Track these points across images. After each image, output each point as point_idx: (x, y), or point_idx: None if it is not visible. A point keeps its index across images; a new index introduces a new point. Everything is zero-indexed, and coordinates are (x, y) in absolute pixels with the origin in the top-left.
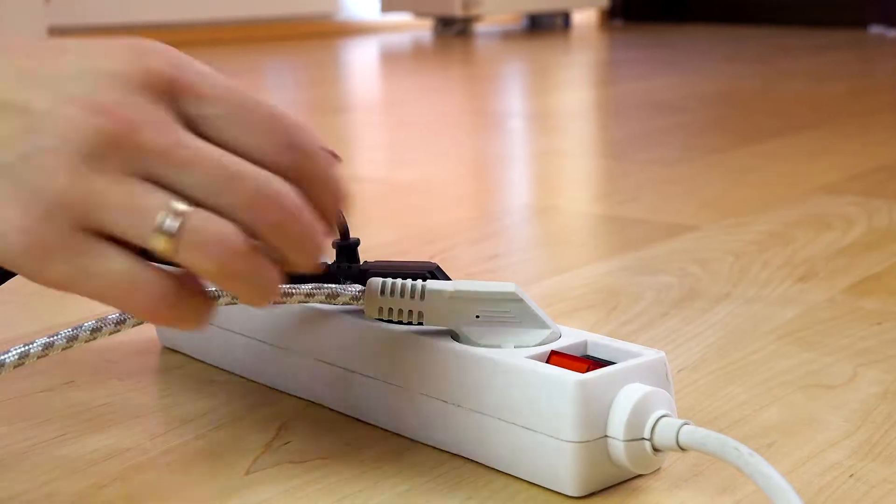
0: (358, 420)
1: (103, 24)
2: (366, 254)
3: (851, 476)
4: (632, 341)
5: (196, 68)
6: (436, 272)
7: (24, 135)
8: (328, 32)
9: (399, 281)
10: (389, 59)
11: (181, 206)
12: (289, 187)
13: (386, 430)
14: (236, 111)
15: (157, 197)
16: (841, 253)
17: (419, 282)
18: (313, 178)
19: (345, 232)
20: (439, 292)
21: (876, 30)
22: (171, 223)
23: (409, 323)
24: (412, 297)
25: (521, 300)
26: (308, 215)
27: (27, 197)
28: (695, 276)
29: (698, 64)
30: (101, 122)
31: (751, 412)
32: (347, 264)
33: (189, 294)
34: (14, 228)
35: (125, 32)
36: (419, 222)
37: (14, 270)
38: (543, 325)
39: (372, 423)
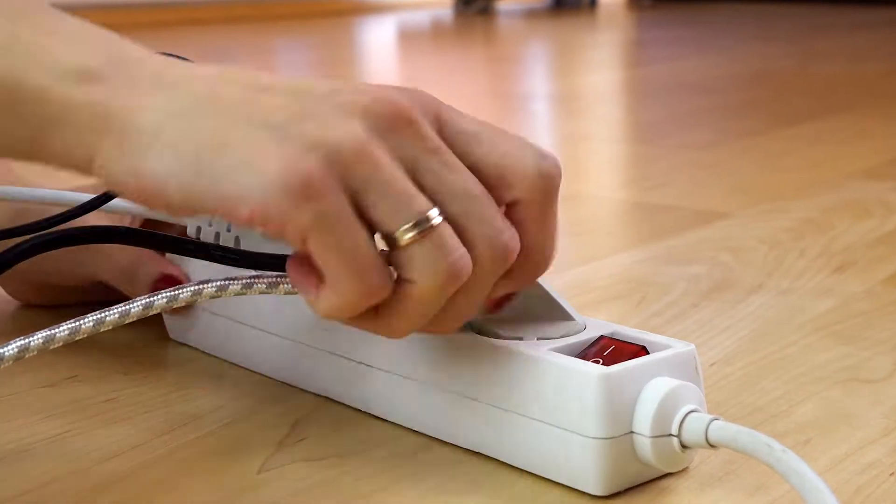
0: (374, 416)
1: (112, 1)
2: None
3: (892, 475)
4: (661, 334)
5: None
6: None
7: (306, 102)
8: (344, 10)
9: None
10: (407, 38)
11: (437, 213)
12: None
13: (404, 427)
14: (490, 129)
15: (421, 194)
16: (880, 241)
17: None
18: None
19: None
20: None
21: None
22: (427, 223)
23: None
24: None
25: (543, 290)
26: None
27: (305, 143)
28: (727, 265)
29: (730, 44)
30: (386, 103)
31: (786, 408)
32: None
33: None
34: (282, 166)
35: (137, 10)
36: None
37: (259, 206)
38: (567, 317)
39: (388, 419)
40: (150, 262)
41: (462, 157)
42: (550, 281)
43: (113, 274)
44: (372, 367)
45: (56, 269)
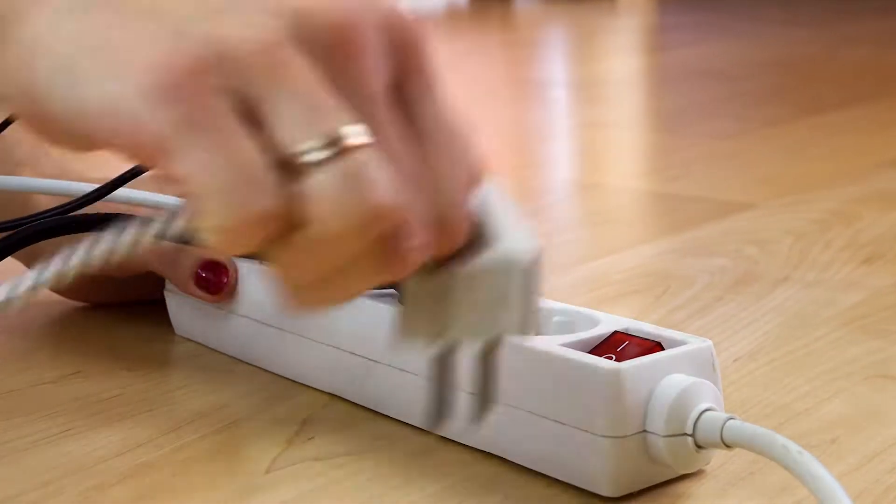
0: (385, 414)
1: None
2: None
3: None
4: (683, 329)
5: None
6: None
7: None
8: None
9: None
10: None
11: (360, 132)
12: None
13: (416, 425)
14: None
15: (339, 108)
16: None
17: None
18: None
19: None
20: None
21: None
22: (341, 142)
23: None
24: None
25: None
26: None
27: (195, 40)
28: (751, 258)
29: (753, 28)
30: (331, 13)
31: (812, 405)
32: None
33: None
34: (146, 64)
35: None
36: None
37: (111, 116)
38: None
39: (395, 417)
40: (192, 247)
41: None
42: (569, 274)
43: (154, 258)
44: (379, 362)
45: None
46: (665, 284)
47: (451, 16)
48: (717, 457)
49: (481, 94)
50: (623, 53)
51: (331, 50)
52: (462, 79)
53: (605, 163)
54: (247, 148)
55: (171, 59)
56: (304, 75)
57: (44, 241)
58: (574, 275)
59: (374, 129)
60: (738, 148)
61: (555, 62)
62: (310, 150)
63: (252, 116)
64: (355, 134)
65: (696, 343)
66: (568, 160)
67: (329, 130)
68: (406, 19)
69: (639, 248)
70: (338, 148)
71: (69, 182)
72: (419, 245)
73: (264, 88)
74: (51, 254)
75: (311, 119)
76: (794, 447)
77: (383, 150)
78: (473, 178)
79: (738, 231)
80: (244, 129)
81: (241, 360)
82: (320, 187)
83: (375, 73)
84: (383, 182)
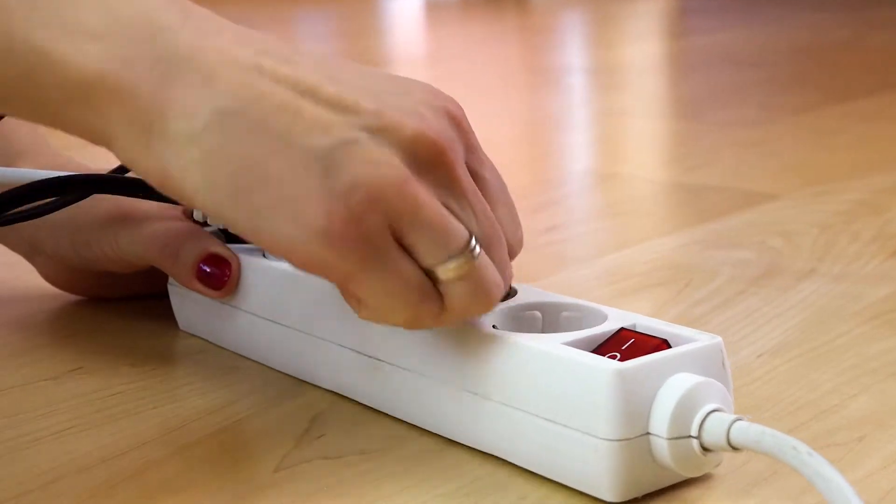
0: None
1: None
2: None
3: None
4: (705, 323)
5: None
6: None
7: (350, 126)
8: None
9: None
10: (435, 6)
11: (475, 243)
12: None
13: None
14: (500, 184)
15: (461, 225)
16: None
17: None
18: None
19: None
20: None
21: None
22: (468, 254)
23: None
24: None
25: None
26: None
27: (347, 182)
28: (775, 250)
29: (779, 13)
30: (430, 134)
31: (838, 402)
32: None
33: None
34: (322, 215)
35: None
36: None
37: (300, 255)
38: None
39: (398, 417)
40: (195, 240)
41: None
42: (588, 266)
43: (155, 253)
44: (384, 361)
45: (102, 254)
46: (686, 278)
47: (467, 1)
48: (737, 458)
49: (497, 81)
50: (643, 39)
51: (437, 168)
52: (478, 66)
53: (624, 152)
54: (410, 268)
55: (345, 210)
56: (430, 203)
57: (44, 233)
58: (593, 268)
59: (473, 208)
60: (763, 136)
61: (572, 48)
62: (447, 265)
63: (399, 238)
64: (474, 244)
65: (704, 340)
66: (586, 149)
67: (458, 248)
68: (457, 109)
69: (659, 240)
70: (466, 258)
71: (68, 173)
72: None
73: (405, 219)
74: (52, 246)
75: (443, 240)
76: (803, 448)
77: (481, 223)
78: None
79: (763, 222)
80: (402, 252)
81: (246, 357)
82: (458, 291)
83: (466, 173)
84: (496, 275)
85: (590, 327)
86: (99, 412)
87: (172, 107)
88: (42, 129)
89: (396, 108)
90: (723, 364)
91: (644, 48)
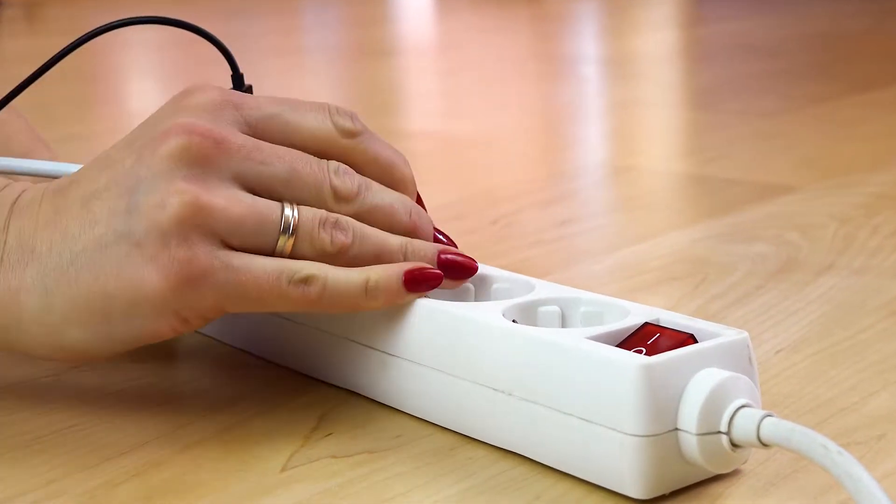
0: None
1: None
2: None
3: None
4: (722, 319)
5: (235, 93)
6: None
7: (119, 193)
8: None
9: None
10: None
11: (290, 209)
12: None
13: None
14: (289, 105)
15: (268, 203)
16: None
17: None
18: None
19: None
20: None
21: None
22: (289, 226)
23: None
24: None
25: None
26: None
27: (156, 237)
28: (794, 244)
29: (798, 1)
30: (179, 142)
31: (858, 399)
32: None
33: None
34: (158, 281)
35: None
36: (479, 182)
37: (165, 320)
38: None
39: (412, 413)
40: None
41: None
42: (602, 260)
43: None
44: (396, 356)
45: None
46: (703, 272)
47: None
48: (758, 455)
49: (509, 71)
50: (658, 27)
51: (210, 160)
52: (488, 56)
53: (639, 144)
54: (260, 262)
55: (172, 265)
56: (228, 204)
57: None
58: (607, 262)
59: (270, 166)
60: (781, 127)
61: (586, 37)
62: (281, 244)
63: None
64: (289, 212)
65: (731, 335)
66: (600, 141)
67: (277, 225)
68: (193, 96)
69: (675, 233)
70: (290, 230)
71: (61, 164)
72: None
73: (221, 229)
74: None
75: (261, 226)
76: (833, 447)
77: (291, 171)
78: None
79: (781, 216)
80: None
81: (252, 354)
82: (306, 255)
83: (240, 144)
84: (324, 221)
85: (611, 322)
86: (102, 410)
87: (19, 292)
88: (40, 134)
89: (152, 137)
90: (749, 359)
91: (659, 37)
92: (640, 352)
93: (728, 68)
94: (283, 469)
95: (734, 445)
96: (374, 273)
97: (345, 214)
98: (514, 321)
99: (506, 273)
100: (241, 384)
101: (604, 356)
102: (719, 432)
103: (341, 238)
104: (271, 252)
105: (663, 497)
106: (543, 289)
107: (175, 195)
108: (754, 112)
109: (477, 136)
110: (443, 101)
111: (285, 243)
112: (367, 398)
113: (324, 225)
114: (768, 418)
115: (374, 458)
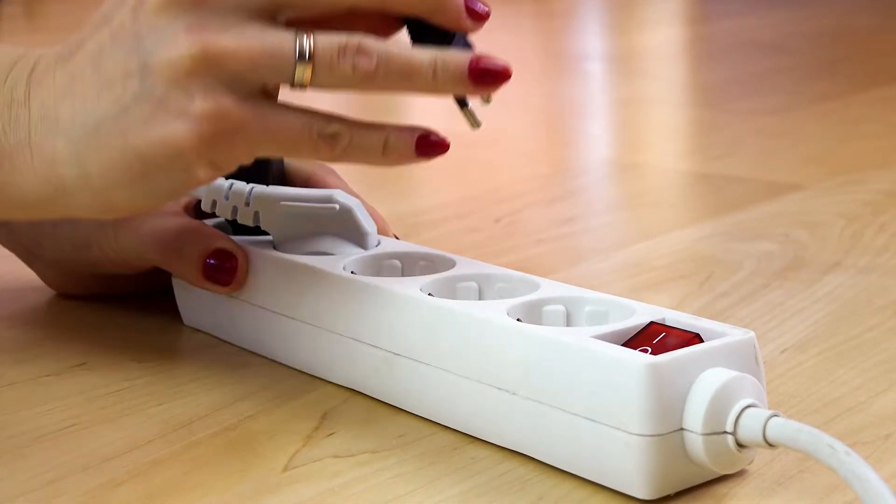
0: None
1: None
2: (423, 215)
3: None
4: (727, 317)
5: None
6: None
7: (130, 51)
8: None
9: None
10: None
11: (304, 38)
12: None
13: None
14: None
15: (279, 33)
16: None
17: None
18: None
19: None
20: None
21: None
22: (306, 55)
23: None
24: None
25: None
26: None
27: (176, 94)
28: (800, 242)
29: None
30: None
31: (865, 399)
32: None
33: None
34: (185, 137)
35: None
36: (484, 180)
37: (202, 170)
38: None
39: (416, 412)
40: (198, 236)
41: None
42: (608, 258)
43: (157, 252)
44: (400, 355)
45: (103, 255)
46: (709, 270)
47: None
48: (764, 454)
49: (513, 68)
50: (664, 24)
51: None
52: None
53: (644, 141)
54: (283, 110)
55: (194, 121)
56: (238, 44)
57: (43, 234)
58: (612, 260)
59: None
60: (787, 125)
61: (590, 34)
62: (299, 76)
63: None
64: (303, 40)
65: (737, 334)
66: (605, 139)
67: (292, 56)
68: None
69: (681, 231)
70: (307, 59)
71: None
72: None
73: (239, 73)
74: (51, 248)
75: (277, 60)
76: (840, 447)
77: None
78: None
79: (787, 214)
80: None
81: (254, 353)
82: (327, 84)
83: None
84: (343, 44)
85: (617, 321)
86: (102, 409)
87: (53, 152)
88: None
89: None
90: (756, 359)
91: (664, 33)
92: (646, 351)
93: (734, 65)
94: (285, 469)
95: (740, 446)
96: (392, 136)
97: None
98: (518, 320)
99: (510, 272)
100: (243, 383)
101: (609, 355)
102: (725, 432)
103: (364, 64)
104: (290, 83)
105: (668, 497)
106: (548, 288)
107: (183, 48)
108: (760, 109)
109: (481, 135)
110: (446, 99)
111: (303, 73)
112: (370, 397)
113: (343, 52)
114: (774, 418)
115: (376, 457)
